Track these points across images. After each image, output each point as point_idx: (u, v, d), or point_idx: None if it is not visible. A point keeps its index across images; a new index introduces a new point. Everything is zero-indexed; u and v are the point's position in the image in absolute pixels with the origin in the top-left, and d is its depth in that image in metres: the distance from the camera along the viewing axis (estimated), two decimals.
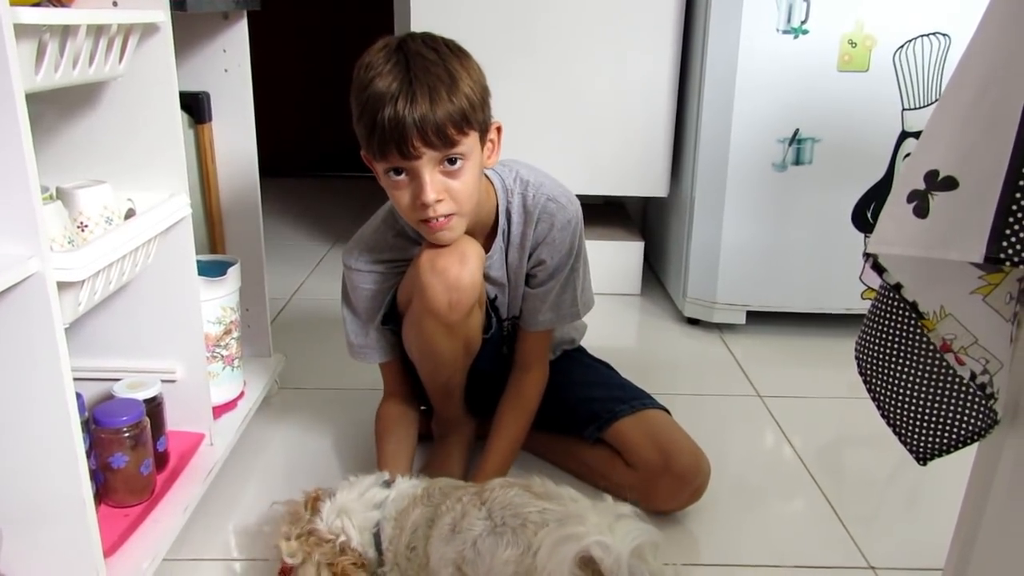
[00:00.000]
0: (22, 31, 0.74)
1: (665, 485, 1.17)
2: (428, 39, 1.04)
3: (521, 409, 1.24)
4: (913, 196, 0.59)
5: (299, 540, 0.96)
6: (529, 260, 1.19)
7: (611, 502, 0.82)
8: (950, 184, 0.57)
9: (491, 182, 1.17)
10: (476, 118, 1.02)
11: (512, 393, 1.24)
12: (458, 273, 1.07)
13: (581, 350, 1.41)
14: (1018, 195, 0.52)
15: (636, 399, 1.26)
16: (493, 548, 0.82)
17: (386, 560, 0.96)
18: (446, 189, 1.02)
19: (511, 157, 1.21)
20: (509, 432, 1.22)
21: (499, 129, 1.10)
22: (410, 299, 1.15)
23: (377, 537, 0.97)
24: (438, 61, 1.01)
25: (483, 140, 1.06)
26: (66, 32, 0.85)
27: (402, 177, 1.02)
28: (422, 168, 1.00)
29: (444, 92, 0.98)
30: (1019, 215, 0.52)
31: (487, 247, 1.17)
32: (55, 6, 0.90)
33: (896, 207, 0.61)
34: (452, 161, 1.01)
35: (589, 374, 1.35)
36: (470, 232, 1.15)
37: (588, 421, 1.25)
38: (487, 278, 1.19)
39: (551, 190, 1.16)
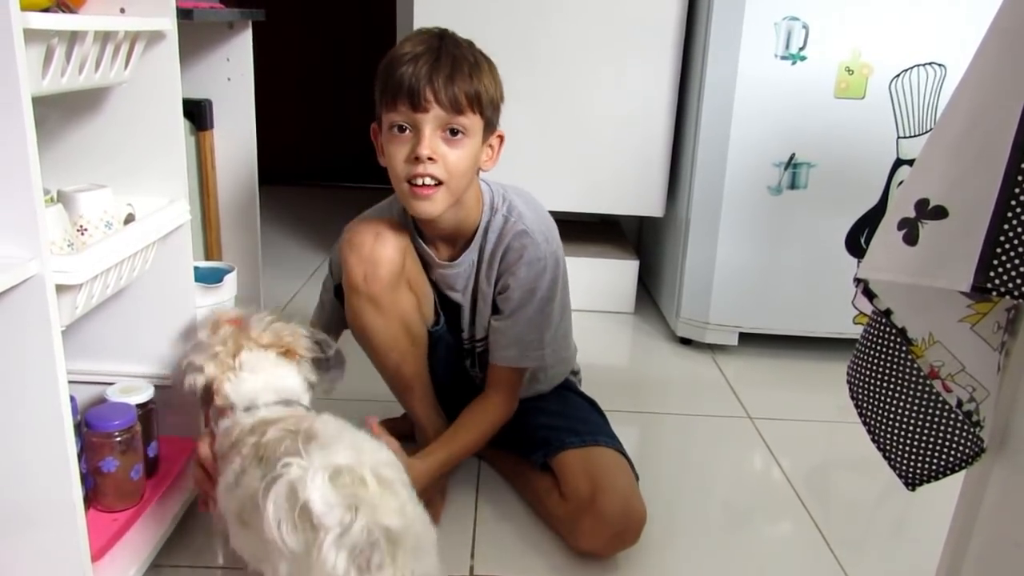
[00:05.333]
0: (31, 36, 0.75)
1: (588, 523, 1.11)
2: (465, 39, 1.13)
3: (477, 422, 1.21)
4: (903, 224, 0.60)
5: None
6: (496, 287, 1.20)
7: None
8: (940, 213, 0.58)
9: (483, 196, 1.19)
10: (486, 108, 1.09)
11: (475, 406, 1.23)
12: (371, 247, 1.14)
13: (569, 383, 1.39)
14: (1006, 226, 0.53)
15: (591, 435, 1.22)
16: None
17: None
18: (442, 155, 1.07)
19: (514, 177, 1.23)
20: (457, 438, 1.19)
21: (501, 138, 1.15)
22: None
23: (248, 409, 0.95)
24: (469, 49, 1.10)
25: (485, 137, 1.11)
26: (74, 38, 0.85)
27: (405, 133, 1.08)
28: (425, 124, 1.06)
29: (466, 68, 1.07)
30: (1007, 246, 0.53)
31: (459, 256, 1.19)
32: (64, 11, 0.91)
33: (887, 234, 0.62)
34: (454, 132, 1.07)
35: (561, 404, 1.33)
36: (450, 237, 1.19)
37: (539, 446, 1.23)
38: (450, 288, 1.21)
39: (530, 223, 1.17)
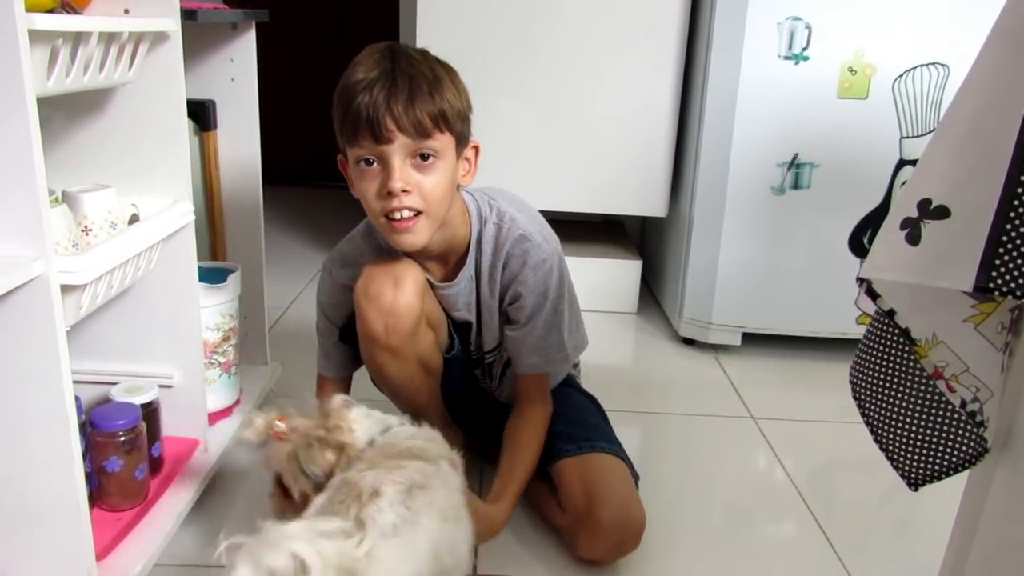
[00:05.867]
0: (36, 36, 0.75)
1: (585, 533, 1.10)
2: (418, 49, 1.06)
3: (528, 441, 1.18)
4: (906, 223, 0.60)
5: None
6: (505, 298, 1.16)
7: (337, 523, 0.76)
8: (942, 213, 0.58)
9: (467, 208, 1.14)
10: (454, 124, 1.03)
11: (517, 427, 1.19)
12: (392, 298, 1.07)
13: (571, 378, 1.37)
14: (1008, 226, 0.53)
15: (587, 440, 1.19)
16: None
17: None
18: (416, 184, 1.01)
19: (516, 177, 1.20)
20: (518, 469, 1.17)
21: (476, 149, 1.10)
22: None
23: (370, 443, 0.95)
24: (424, 63, 1.03)
25: (459, 153, 1.06)
26: (78, 38, 0.86)
27: (372, 167, 1.02)
28: (392, 155, 0.99)
29: (426, 87, 1.00)
30: (1009, 246, 0.53)
31: (455, 274, 1.15)
32: (68, 12, 0.91)
33: (890, 234, 0.62)
34: (424, 156, 1.01)
35: (562, 404, 1.28)
36: (442, 256, 1.15)
37: None
38: (452, 308, 1.18)
39: (525, 226, 1.13)
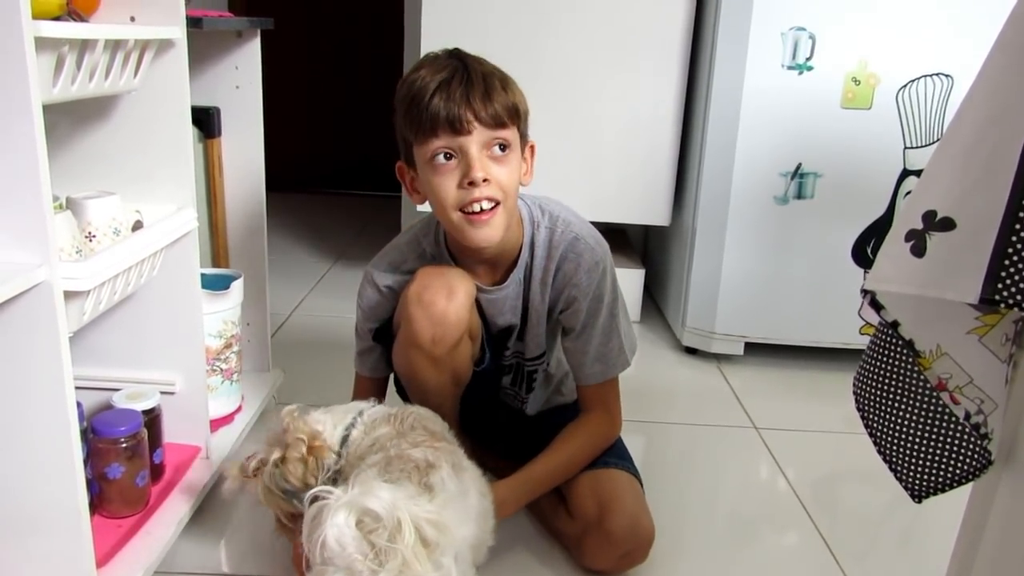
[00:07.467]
0: (42, 44, 0.76)
1: (595, 542, 1.11)
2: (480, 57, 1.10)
3: (566, 437, 1.17)
4: (911, 235, 0.60)
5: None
6: (558, 303, 1.16)
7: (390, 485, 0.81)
8: (947, 225, 0.58)
9: (520, 213, 1.15)
10: (522, 120, 1.06)
11: (568, 427, 1.19)
12: (444, 307, 1.07)
13: None
14: (1014, 238, 0.53)
15: (600, 457, 1.19)
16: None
17: (347, 454, 1.00)
18: (494, 175, 1.03)
19: (534, 190, 1.21)
20: (542, 460, 1.16)
21: (533, 149, 1.13)
22: (400, 325, 1.14)
23: (348, 431, 1.01)
24: (491, 66, 1.07)
25: (521, 150, 1.09)
26: (84, 46, 0.86)
27: (450, 162, 1.03)
28: (471, 145, 1.01)
29: (498, 83, 1.04)
30: (1015, 258, 0.53)
31: (504, 278, 1.15)
32: (74, 20, 0.91)
33: (894, 245, 0.62)
34: (501, 147, 1.04)
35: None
36: (492, 261, 1.15)
37: None
38: (498, 313, 1.17)
39: (579, 229, 1.14)
